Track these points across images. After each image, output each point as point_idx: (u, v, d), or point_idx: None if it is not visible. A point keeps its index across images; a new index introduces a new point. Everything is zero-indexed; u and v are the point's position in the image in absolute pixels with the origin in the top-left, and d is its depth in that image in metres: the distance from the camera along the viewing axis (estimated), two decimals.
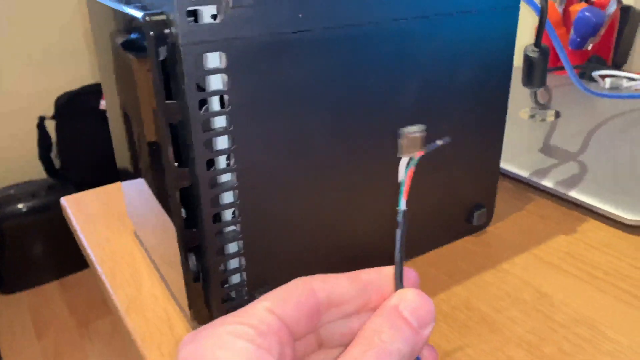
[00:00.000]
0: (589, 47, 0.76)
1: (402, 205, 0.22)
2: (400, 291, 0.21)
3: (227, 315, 0.20)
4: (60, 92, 1.67)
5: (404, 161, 0.23)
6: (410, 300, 0.21)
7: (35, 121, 1.67)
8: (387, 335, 0.19)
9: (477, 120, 0.39)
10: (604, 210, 0.43)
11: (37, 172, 1.72)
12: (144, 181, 0.35)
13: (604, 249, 0.40)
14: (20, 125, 1.73)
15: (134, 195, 0.41)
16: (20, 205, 1.58)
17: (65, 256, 1.63)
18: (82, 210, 0.50)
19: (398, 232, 0.22)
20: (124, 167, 0.41)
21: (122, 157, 0.41)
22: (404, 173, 0.22)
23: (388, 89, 0.33)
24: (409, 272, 0.23)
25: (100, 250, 0.43)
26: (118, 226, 0.46)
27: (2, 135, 1.74)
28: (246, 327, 0.19)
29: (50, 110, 1.68)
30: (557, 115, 0.61)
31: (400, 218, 0.22)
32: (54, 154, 1.71)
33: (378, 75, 0.32)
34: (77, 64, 1.79)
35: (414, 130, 0.23)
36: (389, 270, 0.22)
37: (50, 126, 1.69)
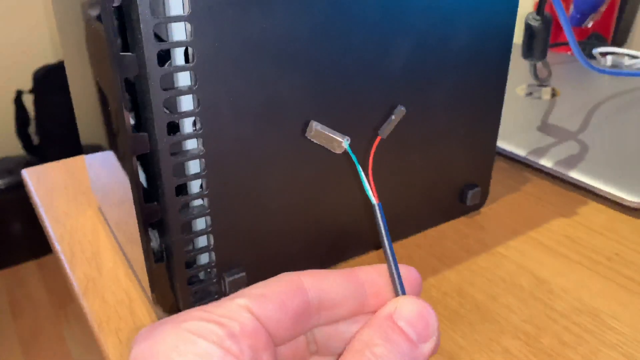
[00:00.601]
0: (589, 25, 0.73)
1: (372, 199, 0.20)
2: (396, 299, 0.18)
3: (194, 308, 0.17)
4: (39, 65, 1.61)
5: (352, 156, 0.22)
6: (408, 309, 0.18)
7: (12, 95, 1.61)
8: (381, 349, 0.17)
9: (474, 92, 0.35)
10: (605, 192, 0.40)
11: (14, 148, 1.66)
12: (112, 154, 0.31)
13: (606, 233, 0.38)
14: None
15: (99, 168, 0.37)
16: None
17: (43, 235, 1.57)
18: (44, 183, 0.46)
19: (379, 229, 0.19)
20: (88, 143, 0.37)
21: (86, 132, 0.37)
22: (358, 166, 0.21)
23: (373, 51, 0.29)
24: (410, 273, 0.20)
25: (60, 227, 0.39)
26: (82, 201, 0.43)
27: None
28: (214, 326, 0.16)
29: (28, 84, 1.62)
30: (556, 92, 0.58)
31: (375, 212, 0.20)
32: (32, 130, 1.65)
33: (362, 34, 0.29)
34: (55, 36, 1.72)
35: (310, 129, 0.24)
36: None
37: (28, 100, 1.63)
